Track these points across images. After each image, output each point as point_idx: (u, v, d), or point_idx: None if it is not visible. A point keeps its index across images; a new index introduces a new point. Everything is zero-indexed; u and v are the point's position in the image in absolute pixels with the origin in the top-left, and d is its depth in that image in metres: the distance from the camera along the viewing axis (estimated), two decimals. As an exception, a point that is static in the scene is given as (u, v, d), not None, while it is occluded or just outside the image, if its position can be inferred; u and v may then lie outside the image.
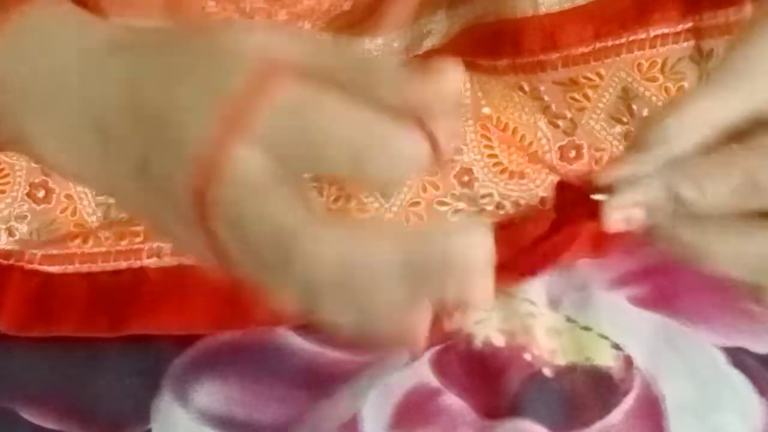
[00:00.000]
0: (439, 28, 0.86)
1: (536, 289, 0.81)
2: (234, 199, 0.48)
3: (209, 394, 0.77)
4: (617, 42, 0.81)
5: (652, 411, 0.76)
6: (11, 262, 0.81)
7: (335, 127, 0.49)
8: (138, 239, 0.81)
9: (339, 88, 0.49)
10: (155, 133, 0.51)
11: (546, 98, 0.83)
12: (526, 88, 0.83)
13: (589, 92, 0.82)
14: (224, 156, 0.48)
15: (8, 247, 0.82)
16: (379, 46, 0.87)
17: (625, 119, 0.82)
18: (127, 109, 0.52)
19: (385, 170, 0.50)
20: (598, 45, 0.81)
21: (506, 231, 0.82)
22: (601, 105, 0.83)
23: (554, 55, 0.82)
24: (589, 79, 0.82)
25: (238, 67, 0.49)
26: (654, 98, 0.81)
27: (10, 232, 0.82)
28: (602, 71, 0.82)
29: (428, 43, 0.86)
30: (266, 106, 0.48)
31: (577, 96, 0.83)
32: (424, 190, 0.82)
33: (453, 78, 0.51)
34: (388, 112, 0.49)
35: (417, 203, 0.82)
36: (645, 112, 0.82)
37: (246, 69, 0.49)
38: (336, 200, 0.82)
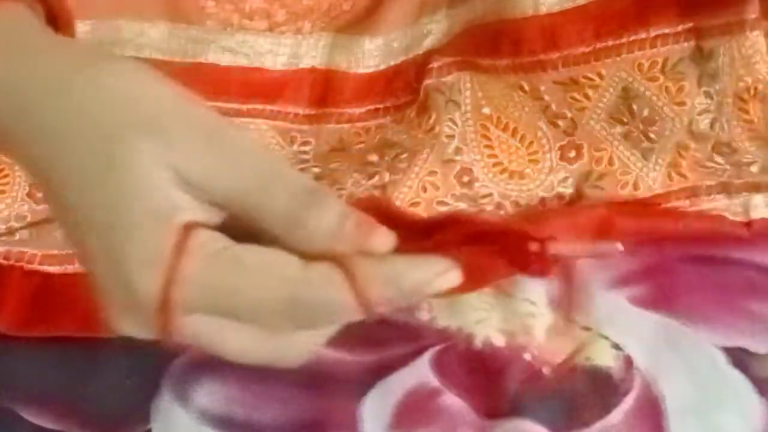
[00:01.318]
0: (439, 28, 0.86)
1: (536, 289, 0.81)
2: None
3: (209, 394, 0.77)
4: (618, 42, 0.81)
5: (652, 411, 0.76)
6: (11, 262, 0.81)
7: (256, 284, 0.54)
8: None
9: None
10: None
11: (546, 98, 0.83)
12: (527, 88, 0.83)
13: (590, 92, 0.82)
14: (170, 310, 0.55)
15: (8, 247, 0.82)
16: (380, 45, 0.87)
17: (625, 119, 0.82)
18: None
19: (317, 319, 0.56)
20: (598, 45, 0.81)
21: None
22: (601, 105, 0.82)
23: (554, 55, 0.82)
24: (590, 79, 0.82)
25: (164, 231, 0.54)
26: (654, 98, 0.81)
27: (11, 232, 0.82)
28: (602, 71, 0.82)
29: (428, 43, 0.86)
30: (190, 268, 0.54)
31: (577, 96, 0.82)
32: (424, 190, 0.82)
33: (384, 242, 0.54)
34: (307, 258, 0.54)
35: (417, 203, 0.82)
36: (645, 112, 0.82)
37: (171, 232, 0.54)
38: None
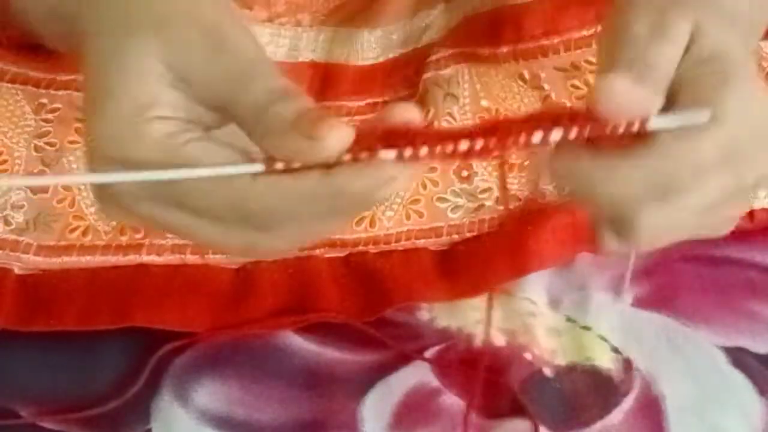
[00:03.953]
0: (438, 22, 0.86)
1: (536, 288, 0.81)
2: None
3: (209, 394, 0.77)
4: None
5: (652, 411, 0.76)
6: (7, 251, 0.81)
7: None
8: (138, 235, 0.81)
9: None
10: None
11: (546, 87, 0.83)
12: (527, 76, 0.83)
13: (590, 78, 0.82)
14: None
15: (4, 236, 0.81)
16: (379, 37, 0.86)
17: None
18: None
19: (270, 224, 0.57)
20: (599, 27, 0.81)
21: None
22: None
23: (556, 39, 0.82)
24: (591, 63, 0.82)
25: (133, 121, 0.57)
26: None
27: (6, 221, 0.81)
28: None
29: (427, 37, 0.86)
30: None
31: (577, 83, 0.82)
32: (424, 187, 0.82)
33: (338, 140, 0.54)
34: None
35: (417, 200, 0.82)
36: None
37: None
38: None
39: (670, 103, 0.56)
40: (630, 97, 0.54)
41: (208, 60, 0.57)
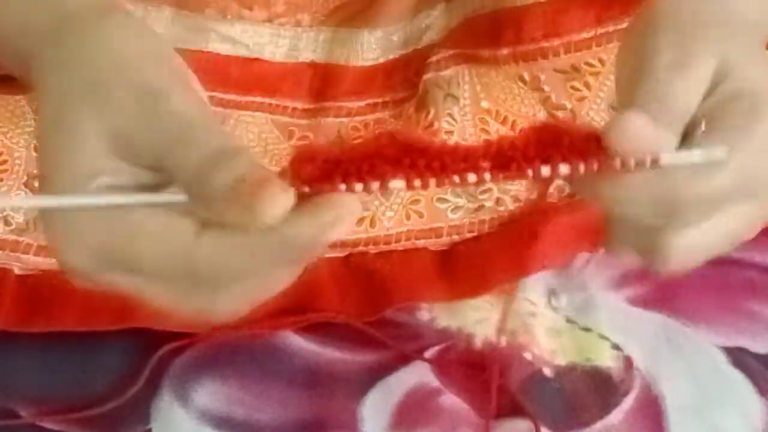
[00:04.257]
0: (438, 22, 0.86)
1: (536, 288, 0.81)
2: None
3: (209, 394, 0.77)
4: (619, 27, 0.81)
5: (652, 411, 0.76)
6: (6, 251, 0.81)
7: None
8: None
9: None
10: None
11: (546, 88, 0.83)
12: (527, 78, 0.83)
13: (590, 80, 0.82)
14: None
15: (4, 237, 0.81)
16: (379, 38, 0.86)
17: (625, 109, 0.82)
18: None
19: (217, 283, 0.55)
20: (600, 30, 0.81)
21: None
22: (601, 94, 0.82)
23: (556, 42, 0.82)
24: (591, 65, 0.82)
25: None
26: None
27: (6, 222, 0.81)
28: (604, 56, 0.81)
29: (428, 38, 0.86)
30: None
31: (577, 85, 0.82)
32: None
33: (276, 209, 0.51)
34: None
35: (417, 201, 0.82)
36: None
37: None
38: None
39: (689, 137, 0.55)
40: (644, 136, 0.52)
41: (145, 125, 0.54)
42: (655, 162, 0.52)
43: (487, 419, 0.76)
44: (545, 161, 0.52)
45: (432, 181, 0.52)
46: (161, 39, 0.60)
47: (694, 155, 0.53)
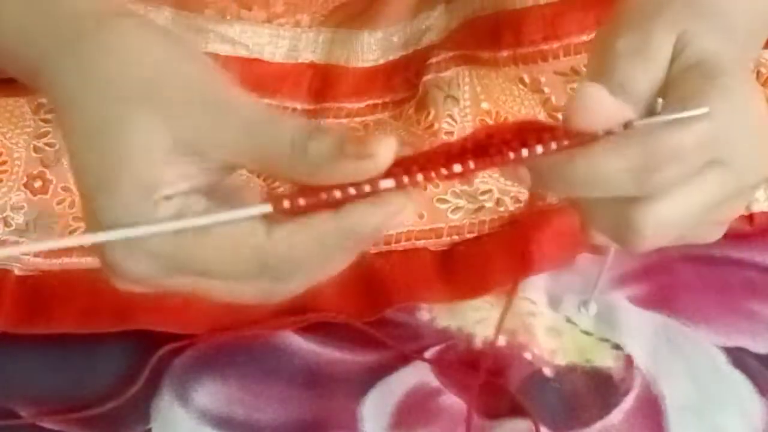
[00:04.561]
0: (438, 23, 0.86)
1: (536, 288, 0.81)
2: None
3: (209, 394, 0.77)
4: None
5: (652, 411, 0.76)
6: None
7: None
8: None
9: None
10: None
11: (546, 90, 0.83)
12: (527, 80, 0.83)
13: None
14: None
15: (4, 237, 0.81)
16: (379, 39, 0.86)
17: (623, 110, 0.82)
18: None
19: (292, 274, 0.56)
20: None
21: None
22: None
23: (555, 44, 0.81)
24: None
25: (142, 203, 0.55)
26: None
27: (6, 223, 0.81)
28: None
29: (427, 39, 0.86)
30: None
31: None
32: (424, 188, 0.81)
33: (387, 149, 0.53)
34: None
35: (417, 201, 0.81)
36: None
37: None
38: None
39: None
40: (605, 105, 0.54)
41: (216, 124, 0.54)
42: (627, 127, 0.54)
43: (469, 414, 0.76)
44: (523, 144, 0.54)
45: (419, 176, 0.53)
46: (178, 36, 0.60)
47: (665, 115, 0.55)
